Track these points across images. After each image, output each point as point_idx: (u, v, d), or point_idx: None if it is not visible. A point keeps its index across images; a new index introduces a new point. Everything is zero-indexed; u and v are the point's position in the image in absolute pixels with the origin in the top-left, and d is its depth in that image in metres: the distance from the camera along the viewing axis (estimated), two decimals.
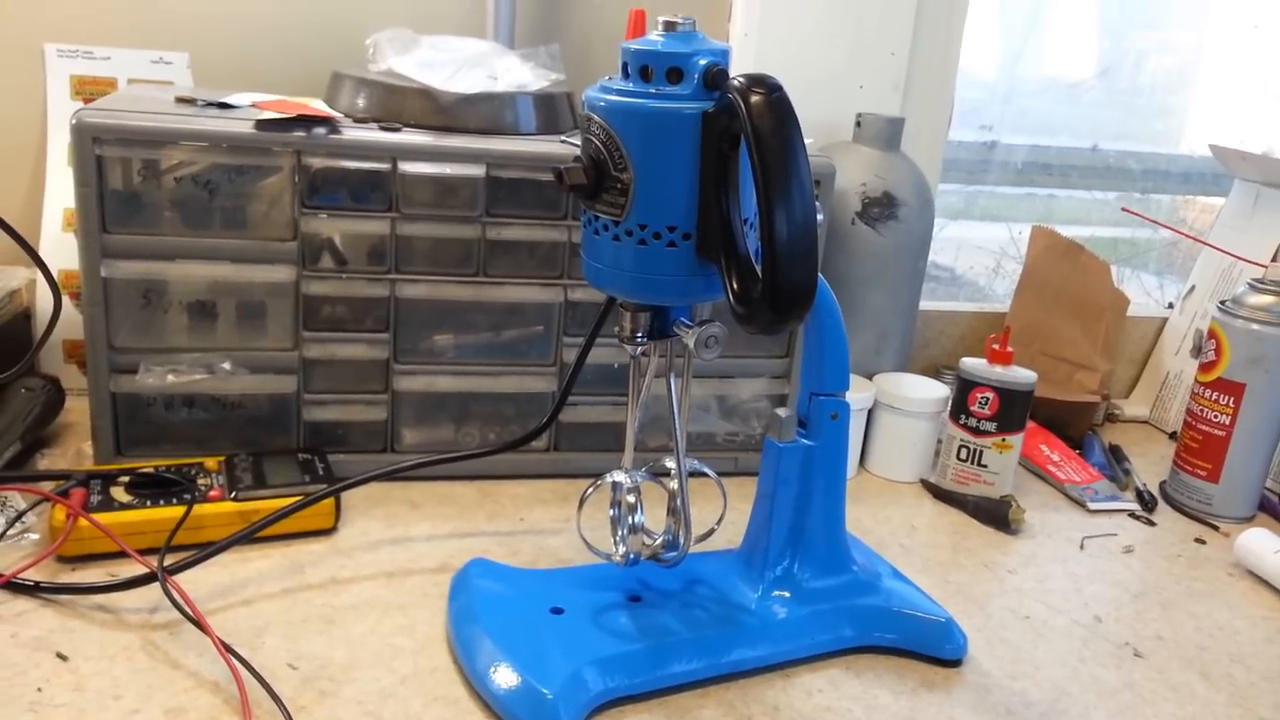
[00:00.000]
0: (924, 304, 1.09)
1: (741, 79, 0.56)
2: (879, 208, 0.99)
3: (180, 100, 0.85)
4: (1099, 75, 1.44)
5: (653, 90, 0.59)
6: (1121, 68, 1.45)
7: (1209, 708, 0.69)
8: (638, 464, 0.70)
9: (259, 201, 0.81)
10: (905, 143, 1.03)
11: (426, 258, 0.85)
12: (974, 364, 0.95)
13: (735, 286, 0.59)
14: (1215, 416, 0.96)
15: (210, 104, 0.84)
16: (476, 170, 0.83)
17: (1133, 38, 1.46)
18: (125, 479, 0.77)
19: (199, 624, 0.64)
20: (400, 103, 0.86)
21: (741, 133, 0.56)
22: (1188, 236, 1.40)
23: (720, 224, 0.59)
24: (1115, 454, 1.10)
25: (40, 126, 1.00)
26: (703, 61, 0.58)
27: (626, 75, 0.60)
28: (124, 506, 0.74)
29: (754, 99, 0.55)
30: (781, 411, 0.70)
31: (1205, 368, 0.98)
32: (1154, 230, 1.48)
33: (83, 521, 0.71)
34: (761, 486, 0.72)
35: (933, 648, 0.71)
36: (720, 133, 0.58)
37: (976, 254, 1.45)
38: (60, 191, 0.99)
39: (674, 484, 0.69)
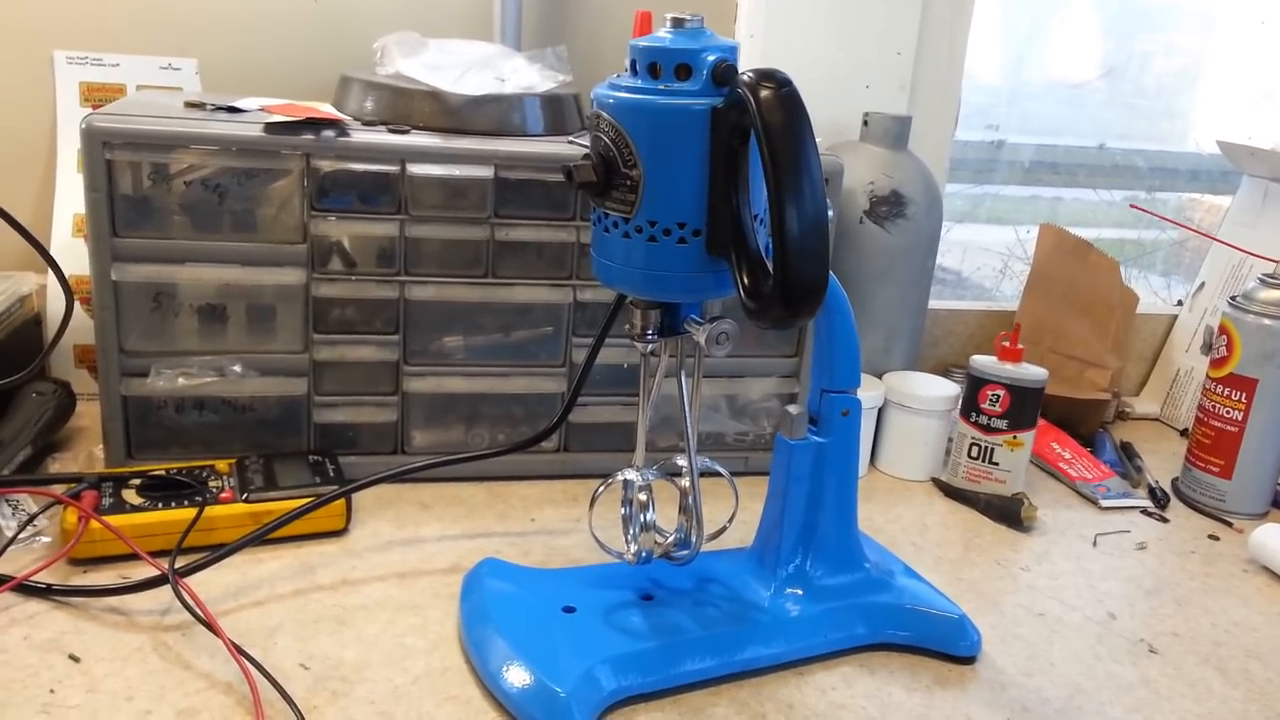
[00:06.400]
0: (933, 303, 1.09)
1: (751, 74, 0.56)
2: (887, 206, 0.98)
3: (189, 105, 0.86)
4: (1103, 77, 1.44)
5: (661, 87, 0.59)
6: (1126, 69, 1.45)
7: (1226, 704, 0.69)
8: (649, 463, 0.70)
9: (268, 205, 0.81)
10: (912, 142, 1.03)
11: (435, 259, 0.85)
12: (984, 361, 0.95)
13: (746, 282, 0.59)
14: (1227, 412, 0.96)
15: (219, 108, 0.85)
16: (485, 172, 0.83)
17: (1137, 40, 1.46)
18: (137, 481, 0.77)
19: (210, 625, 0.64)
20: (408, 105, 0.86)
21: (751, 128, 0.56)
22: (1196, 232, 1.40)
23: (730, 220, 0.59)
24: (1127, 451, 1.09)
25: (50, 133, 1.01)
26: (711, 57, 0.58)
27: (635, 72, 0.60)
28: (135, 509, 0.74)
29: (764, 94, 0.55)
30: (792, 409, 0.70)
31: (1216, 363, 0.97)
32: (1161, 230, 1.47)
33: (94, 524, 0.71)
34: (773, 484, 0.72)
35: (946, 645, 0.71)
36: (730, 128, 0.58)
37: (983, 256, 1.45)
38: (70, 197, 1.00)
39: (685, 482, 0.69)
